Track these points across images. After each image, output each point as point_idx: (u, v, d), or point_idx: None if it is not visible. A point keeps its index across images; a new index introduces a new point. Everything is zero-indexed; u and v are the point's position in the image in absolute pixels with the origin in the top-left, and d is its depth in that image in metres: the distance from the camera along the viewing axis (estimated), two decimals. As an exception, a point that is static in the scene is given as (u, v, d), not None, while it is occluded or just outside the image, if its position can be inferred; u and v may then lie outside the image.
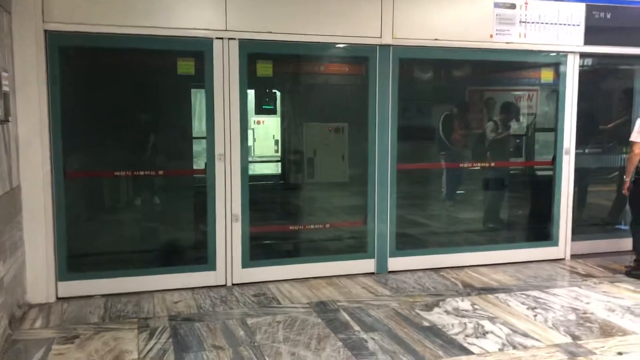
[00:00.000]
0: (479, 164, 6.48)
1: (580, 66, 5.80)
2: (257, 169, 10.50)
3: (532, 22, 5.52)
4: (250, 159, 11.25)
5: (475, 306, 4.45)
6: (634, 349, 3.64)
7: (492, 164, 6.51)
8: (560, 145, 5.82)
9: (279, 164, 7.36)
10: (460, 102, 6.89)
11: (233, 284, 4.96)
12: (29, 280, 4.45)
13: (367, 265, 5.35)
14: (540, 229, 6.06)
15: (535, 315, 4.25)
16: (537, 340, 3.77)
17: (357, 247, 5.49)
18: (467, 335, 3.84)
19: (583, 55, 5.82)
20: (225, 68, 4.78)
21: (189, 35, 4.66)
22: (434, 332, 3.89)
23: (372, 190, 5.32)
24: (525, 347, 3.65)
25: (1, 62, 3.92)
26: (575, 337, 3.82)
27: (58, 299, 4.58)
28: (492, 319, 4.16)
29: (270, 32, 4.82)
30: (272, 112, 9.75)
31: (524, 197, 6.65)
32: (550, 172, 5.97)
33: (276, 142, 11.28)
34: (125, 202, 5.45)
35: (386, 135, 5.27)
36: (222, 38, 4.75)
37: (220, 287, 4.92)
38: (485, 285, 5.02)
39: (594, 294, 4.78)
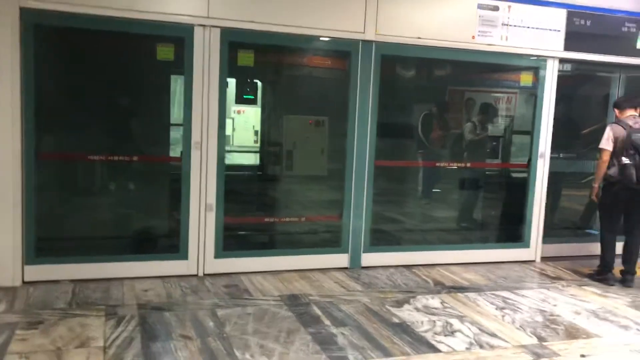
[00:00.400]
0: (456, 164, 6.53)
1: (559, 71, 5.87)
2: (235, 159, 10.45)
3: (514, 26, 5.56)
4: (228, 148, 11.18)
5: (445, 304, 4.49)
6: (596, 352, 3.71)
7: (469, 165, 6.56)
8: (536, 148, 5.89)
9: (258, 154, 7.33)
10: (440, 102, 6.93)
11: (205, 274, 4.92)
12: (-6, 263, 4.36)
13: (341, 260, 5.36)
14: (512, 231, 6.14)
15: (503, 316, 4.30)
16: (504, 340, 3.82)
17: (331, 242, 5.49)
18: (435, 333, 3.87)
19: (562, 61, 5.89)
20: (206, 56, 4.72)
21: (169, 21, 4.59)
22: (403, 329, 3.91)
23: (348, 186, 5.31)
24: (492, 347, 3.70)
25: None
26: (541, 339, 3.88)
27: (24, 283, 4.49)
28: (461, 318, 4.19)
29: (253, 22, 4.77)
30: (253, 102, 9.69)
31: (498, 198, 6.73)
32: (525, 175, 6.04)
33: (256, 132, 11.22)
34: (98, 186, 5.36)
35: (365, 131, 5.27)
36: (204, 25, 4.68)
37: (192, 276, 4.88)
38: (455, 284, 5.06)
39: (561, 297, 4.85)
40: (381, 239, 5.78)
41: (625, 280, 5.27)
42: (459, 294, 4.76)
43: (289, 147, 6.17)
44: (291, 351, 3.47)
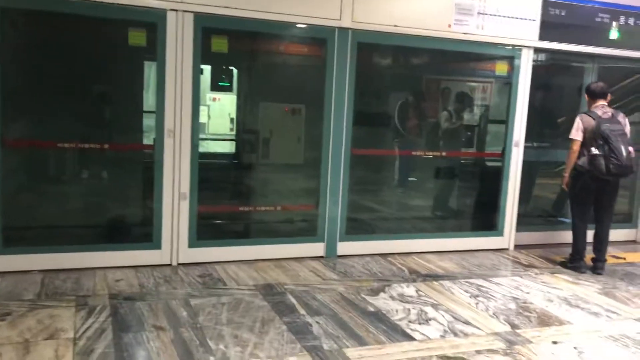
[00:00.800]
0: (431, 153, 6.54)
1: (534, 61, 5.90)
2: (211, 147, 10.33)
3: (490, 15, 5.56)
4: (204, 136, 11.05)
5: (420, 292, 4.50)
6: (567, 339, 3.77)
7: (444, 153, 6.58)
8: (510, 137, 5.93)
9: (234, 142, 7.23)
10: (416, 91, 6.92)
11: (178, 264, 4.86)
12: (-41, 253, 4.24)
13: (317, 248, 5.34)
14: (486, 219, 6.19)
15: (477, 304, 4.33)
16: (478, 328, 3.85)
17: (307, 231, 5.47)
18: (410, 322, 3.88)
19: (537, 50, 5.92)
20: (179, 41, 4.62)
21: (141, 5, 4.48)
22: (378, 318, 3.92)
23: (324, 174, 5.29)
24: (465, 335, 3.72)
25: None
26: (514, 326, 3.92)
27: (-9, 273, 4.38)
28: (435, 306, 4.22)
29: (227, 7, 4.68)
30: (228, 89, 9.56)
31: (473, 187, 6.77)
32: (499, 164, 6.08)
33: (232, 120, 11.10)
34: (68, 174, 5.23)
35: (341, 119, 5.24)
36: (176, 10, 4.58)
37: (165, 266, 4.81)
38: (430, 272, 5.09)
39: (534, 284, 4.91)
40: (357, 228, 5.77)
41: (596, 268, 5.36)
42: (434, 282, 4.79)
43: (265, 135, 6.10)
44: (266, 341, 3.44)
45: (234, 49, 5.39)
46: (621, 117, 5.19)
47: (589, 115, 5.18)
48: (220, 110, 11.82)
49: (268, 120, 6.09)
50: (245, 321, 3.73)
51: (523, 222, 6.22)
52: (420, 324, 3.86)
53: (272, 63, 6.28)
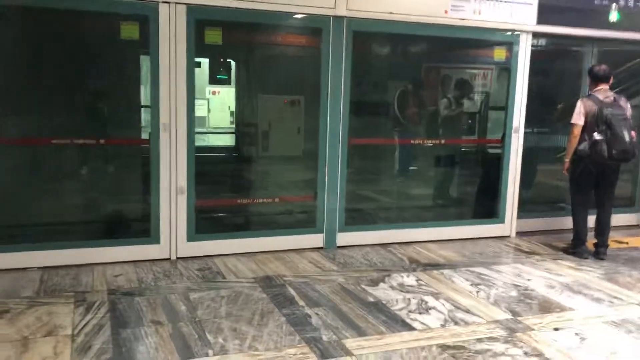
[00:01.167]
0: (431, 141, 6.49)
1: (532, 46, 5.83)
2: (211, 140, 10.29)
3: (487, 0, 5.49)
4: (204, 130, 10.97)
5: (420, 282, 4.48)
6: (569, 325, 3.74)
7: (444, 141, 6.53)
8: (510, 123, 5.87)
9: (234, 135, 7.20)
10: (414, 78, 6.85)
11: (177, 258, 4.84)
12: (-43, 252, 4.23)
13: (316, 240, 5.31)
14: (487, 207, 6.15)
15: (478, 292, 4.31)
16: (479, 316, 3.82)
17: (306, 222, 5.44)
18: (410, 311, 3.86)
19: (536, 35, 5.84)
20: (172, 34, 4.58)
21: (133, -2, 4.44)
22: (378, 308, 3.89)
23: (322, 165, 5.25)
24: (466, 323, 3.70)
25: None
26: (515, 314, 3.89)
27: (-10, 271, 4.37)
28: (435, 295, 4.19)
29: (220, -2, 4.64)
30: (227, 82, 9.50)
31: (473, 174, 6.72)
32: (499, 151, 6.03)
33: (232, 113, 11.04)
34: (65, 171, 5.20)
35: (338, 109, 5.19)
36: (168, 2, 4.53)
37: (164, 260, 4.79)
38: (431, 261, 5.06)
39: (535, 271, 4.88)
40: (357, 218, 5.74)
41: (599, 253, 5.32)
42: (434, 271, 4.76)
43: (265, 128, 6.07)
44: (265, 333, 3.42)
45: (229, 41, 5.34)
46: (623, 101, 5.13)
47: (590, 100, 5.12)
48: (221, 103, 11.79)
49: (267, 113, 6.04)
50: (244, 314, 3.71)
51: (526, 209, 6.18)
52: (420, 313, 3.84)
53: (268, 55, 6.22)
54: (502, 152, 5.95)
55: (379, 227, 5.74)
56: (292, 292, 4.15)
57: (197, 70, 7.06)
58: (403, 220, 6.16)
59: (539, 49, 6.13)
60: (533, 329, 3.64)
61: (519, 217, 6.08)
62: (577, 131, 5.13)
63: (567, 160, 5.28)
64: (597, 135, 4.98)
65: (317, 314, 3.75)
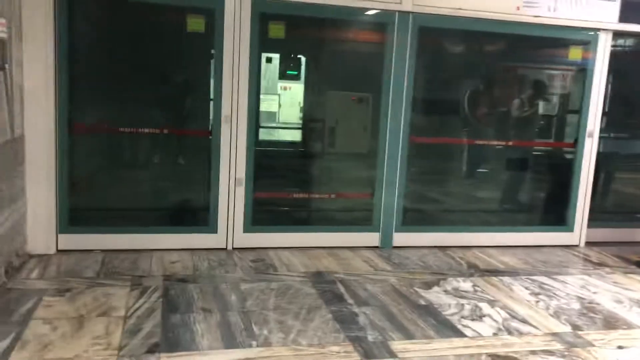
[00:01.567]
0: (500, 143, 6.25)
1: (612, 46, 5.48)
2: (280, 135, 10.41)
3: (564, -4, 5.22)
4: (274, 125, 11.10)
5: (477, 288, 4.32)
6: (636, 344, 3.48)
7: (513, 143, 6.27)
8: (584, 127, 5.56)
9: (301, 131, 7.23)
10: (484, 77, 6.62)
11: (233, 248, 4.92)
12: (29, 231, 4.46)
13: (372, 238, 5.24)
14: (556, 213, 5.85)
15: (537, 302, 4.10)
16: (535, 327, 3.63)
17: (363, 220, 5.37)
18: (462, 317, 3.72)
19: (617, 34, 5.49)
20: (236, 27, 4.64)
21: (199, -10, 4.54)
22: (429, 312, 3.78)
23: (381, 163, 5.18)
24: (520, 334, 3.52)
25: (6, 7, 3.86)
26: (575, 327, 3.67)
27: (58, 251, 4.60)
28: (491, 302, 4.02)
29: (285, -8, 4.65)
30: (296, 77, 9.57)
31: (542, 179, 6.42)
32: (571, 155, 5.72)
33: (301, 109, 11.12)
34: (130, 159, 5.41)
35: (400, 106, 5.09)
36: (233, -5, 4.60)
37: (221, 250, 4.88)
38: (490, 267, 4.87)
39: (603, 284, 4.59)
40: (416, 219, 5.61)
41: (676, 270, 4.95)
42: (493, 278, 4.58)
43: (332, 124, 6.07)
44: (309, 329, 3.40)
45: (297, 36, 5.35)
46: None
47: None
48: (291, 99, 11.91)
49: (335, 109, 6.04)
50: (292, 307, 3.71)
51: (598, 218, 5.83)
52: (473, 320, 3.69)
53: (335, 51, 6.19)
54: (575, 157, 5.64)
55: (438, 229, 5.58)
56: (342, 289, 4.11)
57: (269, 65, 7.18)
58: (465, 223, 5.97)
59: (622, 48, 5.76)
60: (594, 345, 3.41)
61: (590, 225, 5.74)
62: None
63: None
64: None
65: (364, 313, 3.69)
